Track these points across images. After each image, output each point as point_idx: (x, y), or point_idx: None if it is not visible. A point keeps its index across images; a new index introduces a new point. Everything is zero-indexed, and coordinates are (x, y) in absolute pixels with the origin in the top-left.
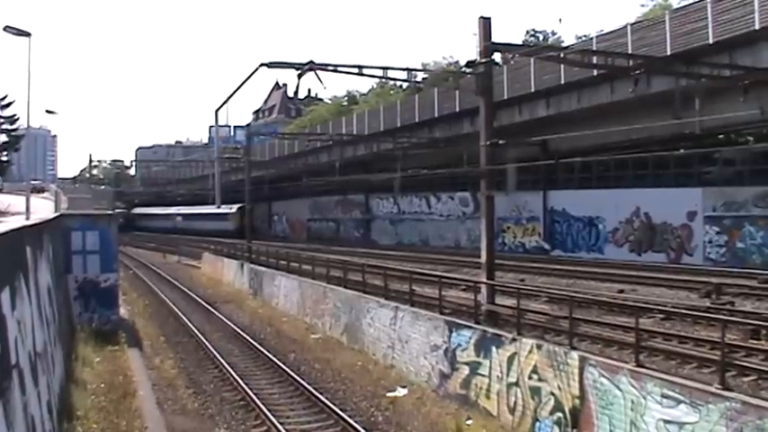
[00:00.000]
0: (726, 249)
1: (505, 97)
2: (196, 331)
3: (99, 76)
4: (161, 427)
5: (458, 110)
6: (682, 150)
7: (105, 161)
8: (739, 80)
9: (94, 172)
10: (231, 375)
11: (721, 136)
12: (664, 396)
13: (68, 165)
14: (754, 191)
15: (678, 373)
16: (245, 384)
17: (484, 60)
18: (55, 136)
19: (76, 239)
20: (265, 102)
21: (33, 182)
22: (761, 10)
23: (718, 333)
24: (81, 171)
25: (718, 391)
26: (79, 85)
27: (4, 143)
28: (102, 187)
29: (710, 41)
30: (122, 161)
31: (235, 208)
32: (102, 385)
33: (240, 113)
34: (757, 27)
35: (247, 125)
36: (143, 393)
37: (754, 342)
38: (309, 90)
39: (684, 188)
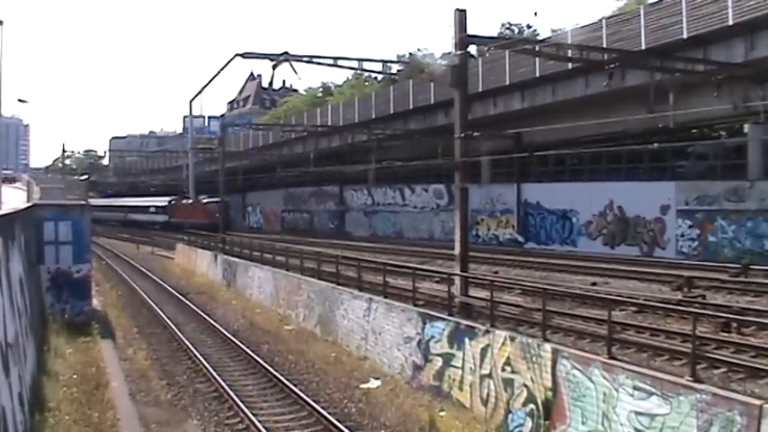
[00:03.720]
0: (698, 243)
1: (480, 90)
2: (169, 322)
3: (72, 65)
4: (133, 419)
5: (432, 102)
6: (655, 144)
7: (78, 151)
8: (713, 75)
9: (67, 162)
10: (204, 367)
11: (695, 130)
12: (635, 388)
13: (41, 154)
14: (727, 185)
15: (650, 365)
16: (219, 376)
17: (459, 52)
18: (27, 125)
19: (49, 230)
20: (240, 92)
21: (5, 172)
22: (734, 6)
23: (690, 326)
24: (54, 161)
25: (689, 384)
26: (52, 74)
27: None
28: (76, 177)
29: (685, 36)
30: (96, 151)
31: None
32: (75, 377)
33: (215, 104)
34: (731, 23)
35: (222, 116)
36: (116, 385)
37: (725, 335)
38: (284, 81)
39: (658, 182)
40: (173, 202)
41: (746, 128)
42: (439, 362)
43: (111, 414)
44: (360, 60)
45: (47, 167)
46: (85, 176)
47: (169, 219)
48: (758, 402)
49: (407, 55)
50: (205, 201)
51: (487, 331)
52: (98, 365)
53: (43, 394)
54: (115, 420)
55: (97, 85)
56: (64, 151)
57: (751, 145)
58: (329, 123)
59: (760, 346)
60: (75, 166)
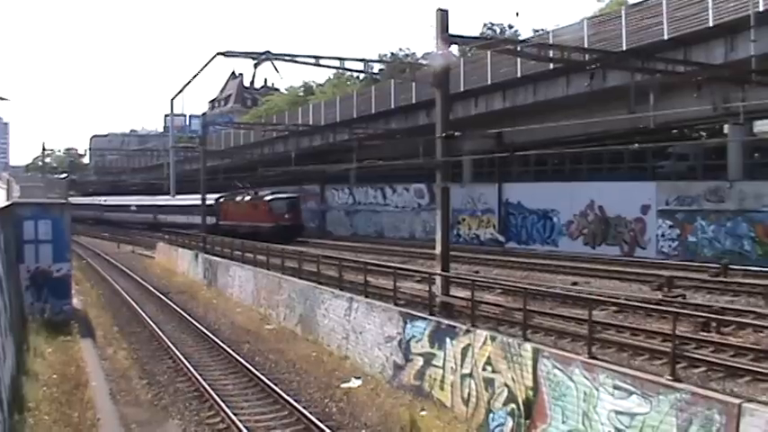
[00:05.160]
0: (678, 243)
1: (462, 89)
2: (150, 321)
3: (53, 62)
4: (114, 419)
5: (414, 101)
6: (636, 145)
7: (59, 149)
8: (693, 76)
9: (48, 160)
10: (185, 366)
11: (675, 131)
12: (616, 387)
13: (21, 153)
14: (707, 185)
15: (630, 364)
16: (199, 375)
17: (441, 52)
18: (7, 123)
19: (28, 228)
20: (221, 91)
21: None
22: (714, 8)
23: (670, 325)
24: (34, 159)
25: (669, 383)
26: (32, 72)
27: None
28: (56, 176)
29: (666, 37)
30: (76, 149)
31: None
32: (54, 376)
33: (196, 102)
34: (711, 24)
35: (203, 114)
36: (96, 384)
37: (705, 334)
38: (266, 80)
39: (638, 182)
40: (222, 200)
41: (726, 129)
42: (420, 361)
43: (90, 414)
44: (341, 59)
45: (27, 166)
46: (65, 175)
47: (218, 222)
48: (737, 401)
49: (389, 54)
50: (269, 197)
51: (468, 331)
52: (78, 365)
53: (22, 394)
54: (95, 420)
55: (78, 83)
56: (44, 150)
57: (731, 146)
58: (311, 123)
59: (739, 346)
60: (55, 165)
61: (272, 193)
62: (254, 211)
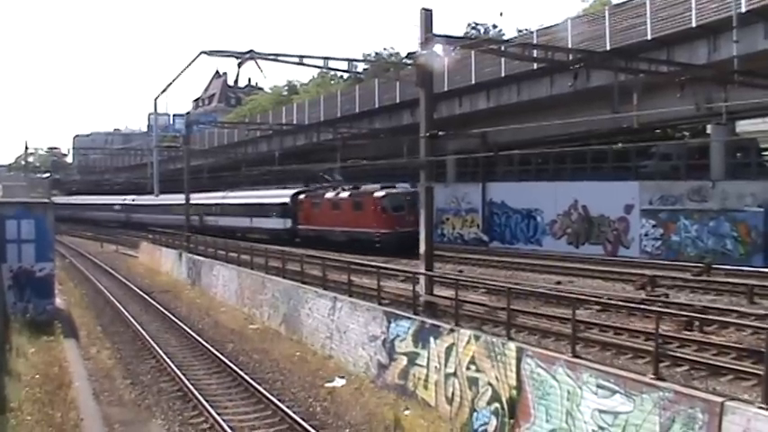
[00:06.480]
0: (661, 242)
1: (446, 89)
2: (133, 321)
3: (35, 61)
4: (97, 419)
5: (398, 101)
6: (619, 144)
7: (42, 148)
8: (676, 76)
9: (30, 159)
10: (169, 366)
11: (658, 131)
12: (599, 386)
13: (3, 152)
14: (689, 185)
15: (613, 363)
16: (183, 375)
17: (425, 52)
18: None
19: (11, 228)
20: (205, 90)
21: None
22: (697, 8)
23: (653, 324)
24: (16, 159)
25: (652, 381)
26: (14, 70)
27: None
28: (39, 175)
29: (649, 38)
30: (59, 149)
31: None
32: (37, 376)
33: (180, 101)
34: (694, 25)
35: (187, 113)
36: (79, 384)
37: (688, 333)
38: (250, 79)
39: (622, 182)
40: (302, 197)
41: (709, 128)
42: (404, 361)
43: (74, 414)
44: (325, 59)
45: (9, 165)
46: (48, 174)
47: (295, 226)
48: (719, 399)
49: (373, 54)
50: (380, 192)
51: (452, 330)
52: (61, 365)
53: (5, 395)
54: (78, 420)
55: (61, 81)
56: (27, 149)
57: (713, 145)
58: (295, 122)
59: (722, 345)
60: (38, 164)
61: (384, 188)
62: (356, 211)
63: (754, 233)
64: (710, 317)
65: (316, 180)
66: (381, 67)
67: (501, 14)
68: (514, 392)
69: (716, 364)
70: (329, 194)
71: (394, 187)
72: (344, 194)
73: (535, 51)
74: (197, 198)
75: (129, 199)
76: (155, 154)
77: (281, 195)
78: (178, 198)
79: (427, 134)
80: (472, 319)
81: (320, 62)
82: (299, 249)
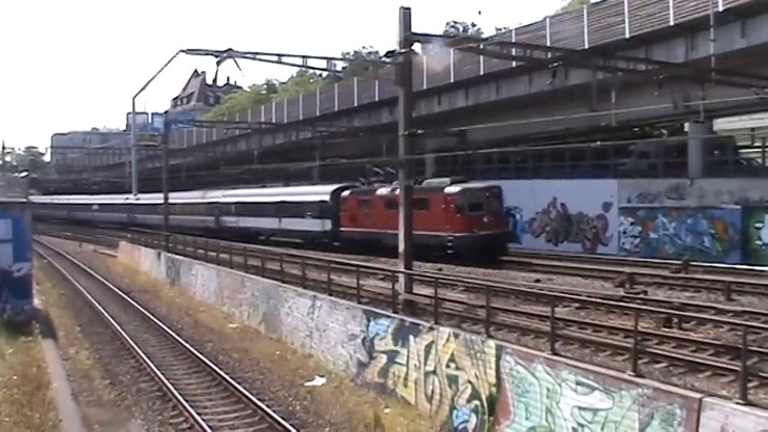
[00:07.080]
0: (639, 240)
1: (425, 87)
2: (112, 321)
3: (12, 59)
4: (76, 419)
5: (377, 99)
6: (598, 142)
7: (19, 147)
8: (654, 75)
9: (8, 159)
10: (148, 366)
11: (636, 129)
12: (578, 383)
13: None
14: (668, 183)
15: (592, 360)
16: (162, 374)
17: (403, 50)
18: None
19: None
20: (184, 89)
21: None
22: (675, 7)
23: (632, 321)
24: None
25: (631, 378)
26: None
27: None
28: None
29: (627, 36)
30: (37, 147)
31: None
32: (15, 377)
33: (158, 100)
34: (672, 23)
35: (165, 112)
36: (57, 385)
37: (666, 330)
38: (228, 78)
39: (600, 179)
40: (347, 194)
41: (687, 127)
42: (383, 359)
43: (52, 415)
44: (304, 57)
45: None
46: (25, 174)
47: (336, 227)
48: (698, 396)
49: (352, 53)
50: (452, 187)
51: (432, 328)
52: (39, 366)
53: None
54: (57, 421)
55: (38, 80)
56: (4, 148)
57: (691, 143)
58: (273, 120)
59: (700, 341)
60: (15, 163)
61: (455, 183)
62: (420, 211)
63: (732, 230)
64: (689, 314)
65: (356, 175)
66: (360, 65)
67: (480, 13)
68: (494, 390)
69: (694, 361)
70: (382, 190)
71: (465, 181)
72: (390, 190)
73: (514, 50)
74: (212, 196)
75: (132, 198)
76: (133, 153)
77: (319, 192)
78: (178, 198)
79: (406, 132)
80: (451, 317)
81: (299, 61)
82: (336, 254)
